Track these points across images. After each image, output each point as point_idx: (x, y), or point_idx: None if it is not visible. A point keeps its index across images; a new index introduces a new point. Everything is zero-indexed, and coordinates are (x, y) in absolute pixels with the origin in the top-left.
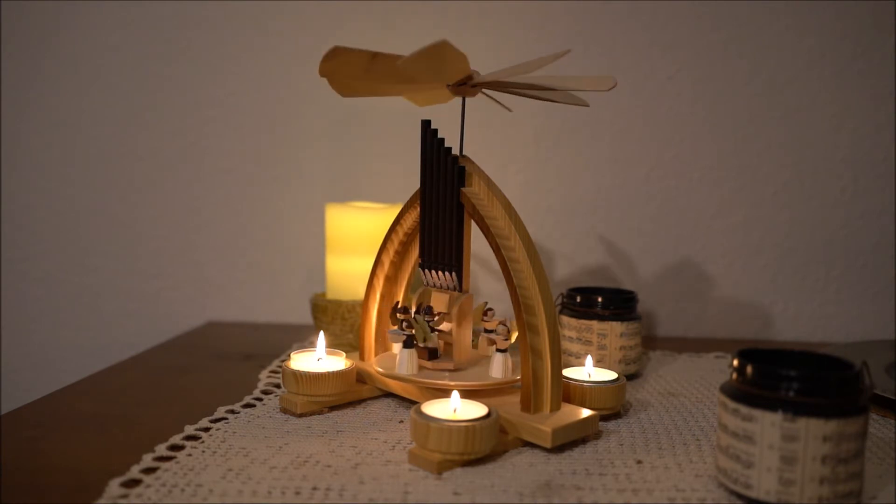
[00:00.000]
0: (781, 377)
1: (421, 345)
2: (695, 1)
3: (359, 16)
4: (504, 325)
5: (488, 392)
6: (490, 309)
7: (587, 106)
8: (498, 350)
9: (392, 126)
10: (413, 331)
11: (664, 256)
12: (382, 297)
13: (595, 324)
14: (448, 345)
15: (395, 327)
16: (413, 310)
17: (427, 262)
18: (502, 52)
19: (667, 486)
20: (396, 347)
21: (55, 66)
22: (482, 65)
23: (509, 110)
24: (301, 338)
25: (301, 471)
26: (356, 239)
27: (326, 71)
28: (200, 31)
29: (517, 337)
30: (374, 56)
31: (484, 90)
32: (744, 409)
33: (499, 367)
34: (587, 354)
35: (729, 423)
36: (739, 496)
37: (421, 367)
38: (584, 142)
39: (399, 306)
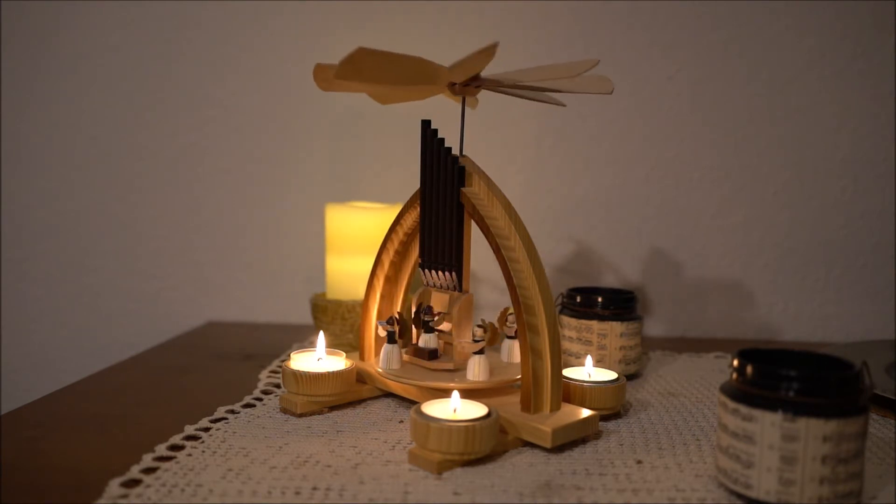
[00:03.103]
0: (781, 377)
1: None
2: (695, 1)
3: (359, 16)
4: (480, 326)
5: (488, 392)
6: (512, 314)
7: (610, 93)
8: (474, 352)
9: (392, 126)
10: (397, 328)
11: (664, 256)
12: (382, 297)
13: (595, 324)
14: (448, 345)
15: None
16: (413, 310)
17: (427, 262)
18: (503, 53)
19: (667, 486)
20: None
21: (55, 66)
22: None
23: (563, 104)
24: (301, 338)
25: (301, 471)
26: (356, 239)
27: (322, 86)
28: (200, 31)
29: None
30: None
31: (507, 91)
32: (744, 409)
33: (472, 370)
34: (587, 354)
35: (729, 423)
36: (739, 496)
37: (419, 367)
38: (584, 142)
39: (424, 306)
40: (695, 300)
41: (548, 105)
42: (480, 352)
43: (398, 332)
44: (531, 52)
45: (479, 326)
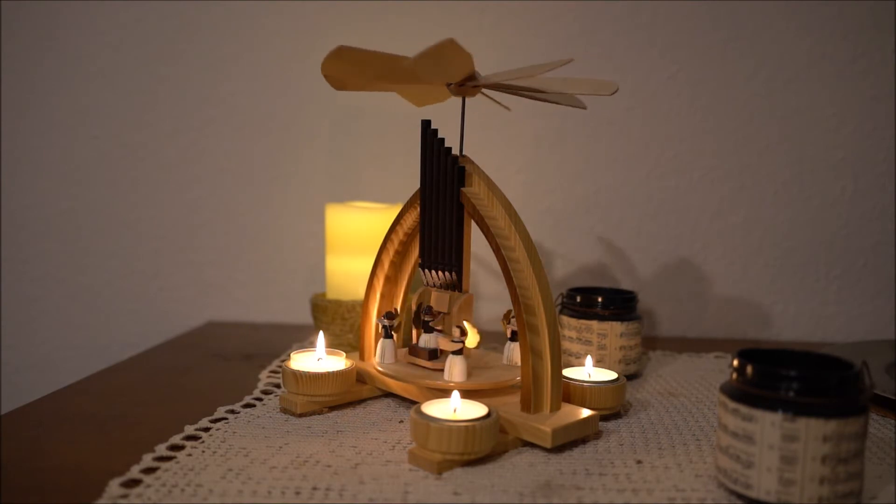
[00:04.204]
0: (781, 377)
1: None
2: (695, 1)
3: (359, 16)
4: (458, 326)
5: (488, 392)
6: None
7: (584, 108)
8: (452, 353)
9: (392, 126)
10: (394, 322)
11: (664, 256)
12: (382, 297)
13: (595, 324)
14: None
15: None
16: (413, 309)
17: (427, 261)
18: (502, 52)
19: (667, 486)
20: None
21: (55, 65)
22: (482, 65)
23: (508, 109)
24: (301, 338)
25: (301, 471)
26: (356, 239)
27: (330, 70)
28: (200, 31)
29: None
30: (377, 56)
31: (483, 90)
32: (744, 409)
33: (450, 371)
34: (587, 354)
35: (729, 423)
36: (739, 496)
37: (419, 367)
38: (584, 142)
39: (424, 306)
40: (695, 300)
41: (548, 105)
42: (459, 352)
43: (393, 327)
44: (531, 51)
45: (456, 326)
